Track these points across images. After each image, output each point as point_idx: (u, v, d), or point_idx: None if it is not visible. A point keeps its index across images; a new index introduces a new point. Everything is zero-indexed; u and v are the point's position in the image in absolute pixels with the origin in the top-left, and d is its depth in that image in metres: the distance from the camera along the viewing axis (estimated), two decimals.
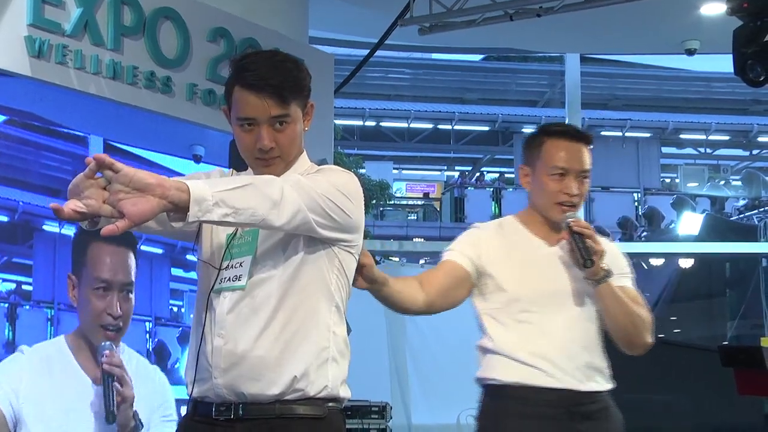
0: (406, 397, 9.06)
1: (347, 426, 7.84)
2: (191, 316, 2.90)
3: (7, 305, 16.32)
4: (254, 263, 2.63)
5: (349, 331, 6.28)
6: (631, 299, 3.17)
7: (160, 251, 6.39)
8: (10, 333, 15.01)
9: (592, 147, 3.20)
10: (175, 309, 6.33)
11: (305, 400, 2.58)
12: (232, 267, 2.65)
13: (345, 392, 2.69)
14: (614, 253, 3.25)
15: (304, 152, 2.77)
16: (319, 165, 2.77)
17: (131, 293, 3.19)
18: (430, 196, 23.47)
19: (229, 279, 2.64)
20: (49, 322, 15.46)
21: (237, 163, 2.86)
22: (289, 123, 2.66)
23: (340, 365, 2.67)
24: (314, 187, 2.53)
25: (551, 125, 3.28)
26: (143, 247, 5.13)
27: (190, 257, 5.44)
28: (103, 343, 3.10)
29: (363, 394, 7.90)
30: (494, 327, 3.22)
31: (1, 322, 15.28)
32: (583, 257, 3.01)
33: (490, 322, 3.23)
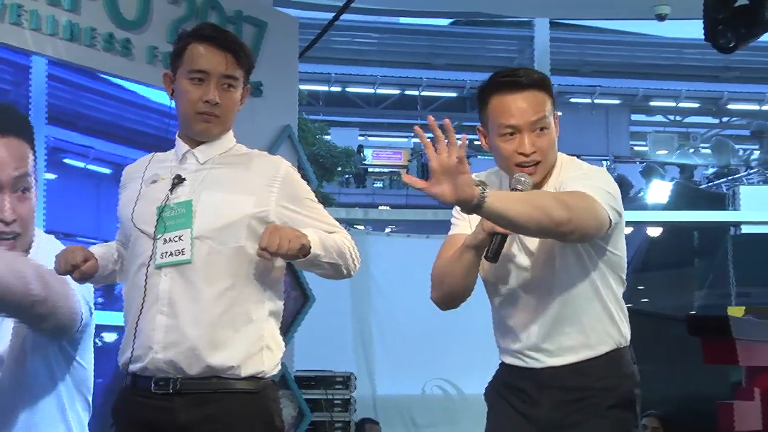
0: (371, 368, 9.05)
1: (312, 396, 7.73)
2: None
3: None
4: (195, 237, 2.69)
5: (312, 300, 6.20)
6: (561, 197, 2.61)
7: (108, 171, 6.17)
8: None
9: (549, 95, 2.85)
10: None
11: (241, 379, 2.69)
12: (170, 240, 2.70)
13: (277, 370, 2.81)
14: (575, 170, 2.84)
15: (232, 131, 2.88)
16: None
17: (29, 191, 2.72)
18: (397, 163, 23.46)
19: (170, 254, 2.69)
20: None
21: None
22: (235, 88, 2.80)
23: (275, 354, 2.78)
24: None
25: (495, 75, 2.87)
26: (90, 167, 4.97)
27: None
28: None
29: (327, 365, 7.89)
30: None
31: None
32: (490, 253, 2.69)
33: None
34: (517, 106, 2.78)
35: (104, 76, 5.28)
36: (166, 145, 2.92)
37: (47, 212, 7.24)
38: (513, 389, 2.90)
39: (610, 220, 2.67)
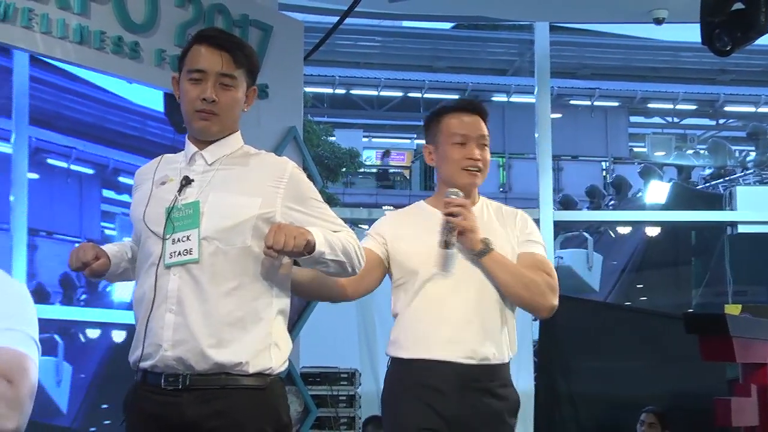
0: (375, 364, 9.08)
1: (317, 392, 7.80)
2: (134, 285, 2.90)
3: None
4: (202, 237, 2.72)
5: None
6: (529, 265, 3.26)
7: (90, 171, 6.11)
8: None
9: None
10: (107, 231, 6.04)
11: (249, 375, 2.72)
12: (179, 241, 2.73)
13: (285, 367, 2.84)
14: (522, 220, 3.39)
15: (239, 132, 2.91)
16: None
17: None
18: (401, 164, 23.48)
19: (178, 253, 2.73)
20: None
21: (172, 116, 2.88)
22: (234, 87, 2.82)
23: (282, 351, 2.80)
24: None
25: (447, 103, 3.49)
26: (72, 167, 4.97)
27: (122, 179, 5.31)
28: None
29: (332, 361, 7.92)
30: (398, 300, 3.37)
31: None
32: (443, 239, 3.20)
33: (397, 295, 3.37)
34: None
35: (86, 78, 5.28)
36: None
37: (30, 211, 7.22)
38: (428, 388, 3.17)
39: None
